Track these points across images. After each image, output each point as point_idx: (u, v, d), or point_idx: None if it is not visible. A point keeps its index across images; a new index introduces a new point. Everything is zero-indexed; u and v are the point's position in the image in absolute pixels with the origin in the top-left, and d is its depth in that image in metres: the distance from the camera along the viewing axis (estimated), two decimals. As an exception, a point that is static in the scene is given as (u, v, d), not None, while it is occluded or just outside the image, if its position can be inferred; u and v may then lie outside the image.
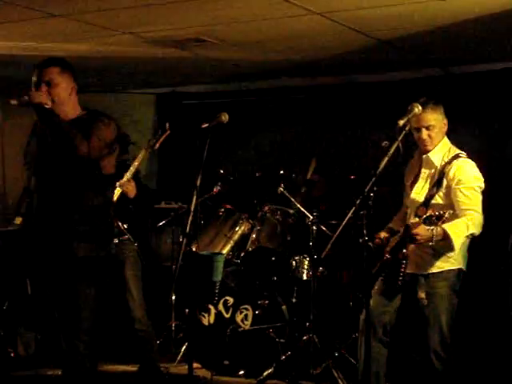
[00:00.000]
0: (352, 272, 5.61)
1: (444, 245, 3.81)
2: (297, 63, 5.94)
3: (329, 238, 4.11)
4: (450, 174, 3.93)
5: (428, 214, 3.72)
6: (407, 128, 3.69)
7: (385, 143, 3.68)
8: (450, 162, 3.96)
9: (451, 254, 3.90)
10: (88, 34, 4.98)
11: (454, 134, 4.22)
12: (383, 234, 4.14)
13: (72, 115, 3.70)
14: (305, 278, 5.41)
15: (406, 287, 3.95)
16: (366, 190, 3.43)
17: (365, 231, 3.58)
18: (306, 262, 5.42)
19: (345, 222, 3.64)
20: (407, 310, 4.11)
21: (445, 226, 3.73)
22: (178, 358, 5.41)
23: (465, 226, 3.78)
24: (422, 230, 3.74)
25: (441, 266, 3.96)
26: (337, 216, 5.32)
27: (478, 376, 5.00)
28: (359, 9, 4.35)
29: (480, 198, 3.91)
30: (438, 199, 3.94)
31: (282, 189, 5.59)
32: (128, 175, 4.58)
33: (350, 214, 3.61)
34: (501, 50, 5.41)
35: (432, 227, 3.72)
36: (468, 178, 3.91)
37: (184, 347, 5.46)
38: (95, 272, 3.71)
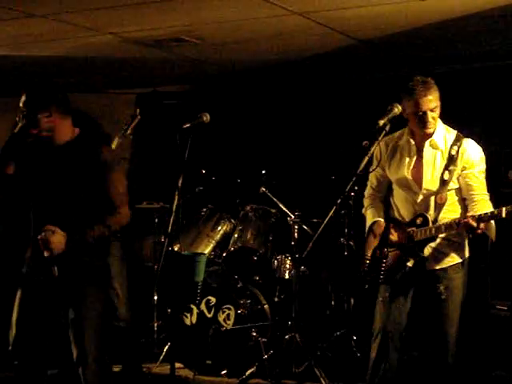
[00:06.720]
0: (333, 271, 5.62)
1: (455, 233, 3.72)
2: (277, 63, 5.95)
3: (310, 237, 4.12)
4: (465, 156, 3.74)
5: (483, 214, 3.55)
6: (387, 128, 3.69)
7: (365, 143, 3.69)
8: (457, 144, 3.75)
9: (463, 242, 3.79)
10: (68, 34, 4.96)
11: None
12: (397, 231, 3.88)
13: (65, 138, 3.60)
14: (287, 277, 5.42)
15: (421, 285, 3.77)
16: (347, 189, 3.43)
17: (346, 230, 3.59)
18: (288, 262, 5.43)
19: (326, 221, 3.64)
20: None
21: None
22: (161, 358, 5.38)
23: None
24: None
25: (457, 256, 3.82)
26: (318, 215, 5.34)
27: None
28: (339, 9, 4.37)
29: None
30: (451, 185, 3.78)
31: (263, 188, 5.60)
32: None
33: (330, 213, 3.62)
34: (480, 49, 5.46)
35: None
36: (479, 161, 3.77)
37: (166, 347, 5.43)
38: (99, 279, 3.69)
